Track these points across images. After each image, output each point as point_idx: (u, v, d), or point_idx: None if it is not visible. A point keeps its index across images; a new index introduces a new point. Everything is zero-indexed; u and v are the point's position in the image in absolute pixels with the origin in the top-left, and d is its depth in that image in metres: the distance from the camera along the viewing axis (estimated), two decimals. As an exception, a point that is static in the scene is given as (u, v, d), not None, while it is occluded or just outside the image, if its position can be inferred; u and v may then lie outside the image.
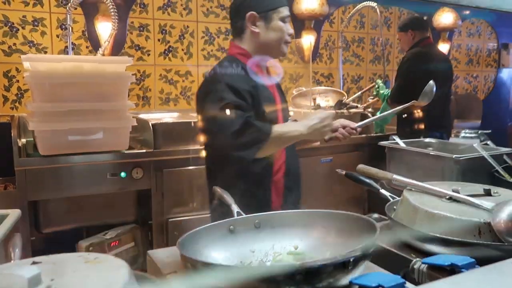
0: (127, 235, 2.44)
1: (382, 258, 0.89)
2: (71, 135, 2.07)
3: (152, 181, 2.37)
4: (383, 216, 1.22)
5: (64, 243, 2.39)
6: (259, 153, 1.43)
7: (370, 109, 2.91)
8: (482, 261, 0.82)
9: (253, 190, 1.51)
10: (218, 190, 1.20)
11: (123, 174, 2.29)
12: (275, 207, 1.57)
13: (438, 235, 0.89)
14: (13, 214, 1.48)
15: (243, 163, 1.46)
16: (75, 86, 2.01)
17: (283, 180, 1.57)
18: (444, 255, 0.71)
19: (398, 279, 0.60)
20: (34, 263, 0.62)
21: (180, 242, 0.82)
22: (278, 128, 1.48)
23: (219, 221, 0.97)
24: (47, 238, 2.41)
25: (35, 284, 0.50)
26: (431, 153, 1.50)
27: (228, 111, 1.42)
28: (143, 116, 2.65)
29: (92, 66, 2.09)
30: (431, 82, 1.48)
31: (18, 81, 2.61)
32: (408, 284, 0.78)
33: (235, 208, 1.05)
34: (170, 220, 2.42)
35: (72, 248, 2.28)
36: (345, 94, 3.10)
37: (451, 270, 0.67)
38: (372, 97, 2.92)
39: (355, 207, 2.82)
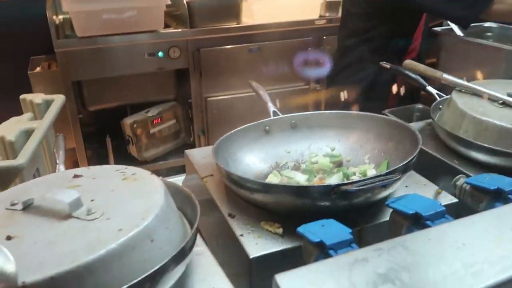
0: (168, 113, 2.52)
1: (423, 160, 0.87)
2: (105, 15, 2.02)
3: (189, 60, 2.35)
4: (427, 107, 1.17)
5: (109, 119, 2.51)
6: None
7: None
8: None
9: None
10: (253, 84, 1.15)
11: (160, 54, 2.28)
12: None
13: (485, 144, 0.84)
14: (58, 99, 1.53)
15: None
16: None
17: None
18: (490, 176, 0.68)
19: (437, 206, 0.58)
20: (75, 176, 0.64)
21: (214, 148, 0.82)
22: None
23: (254, 122, 0.96)
24: (94, 114, 2.53)
25: (76, 207, 0.52)
26: (488, 43, 1.35)
27: None
28: (177, -10, 2.50)
29: None
30: None
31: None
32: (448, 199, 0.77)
33: (271, 107, 1.02)
34: (208, 99, 2.45)
35: (117, 124, 2.40)
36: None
37: (497, 193, 0.64)
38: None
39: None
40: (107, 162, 2.41)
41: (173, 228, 0.55)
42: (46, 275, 0.44)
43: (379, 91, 1.57)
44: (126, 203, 0.55)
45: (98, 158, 2.52)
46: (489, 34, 1.57)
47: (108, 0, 1.97)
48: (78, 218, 0.52)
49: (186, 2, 2.23)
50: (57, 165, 0.77)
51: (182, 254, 0.51)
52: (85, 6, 1.95)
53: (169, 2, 2.14)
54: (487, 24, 1.58)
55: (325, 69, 2.31)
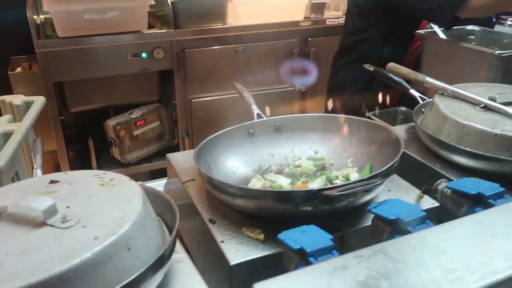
0: (152, 114, 2.50)
1: (406, 164, 0.87)
2: (87, 15, 1.99)
3: (174, 62, 2.33)
4: (411, 110, 1.17)
5: (92, 121, 2.47)
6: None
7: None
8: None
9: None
10: (238, 86, 1.15)
11: (144, 55, 2.25)
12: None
13: (466, 148, 0.84)
14: (38, 101, 1.50)
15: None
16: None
17: (413, 65, 1.53)
18: (471, 180, 0.68)
19: (418, 211, 0.58)
20: (52, 181, 0.62)
21: (196, 152, 0.81)
22: None
23: (237, 125, 0.95)
24: (76, 116, 2.50)
25: (50, 215, 0.51)
26: (470, 46, 1.36)
27: None
28: (161, -9, 2.48)
29: None
30: None
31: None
32: (430, 202, 0.77)
33: (255, 109, 1.01)
34: (193, 100, 2.43)
35: (100, 126, 2.37)
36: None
37: (477, 197, 0.64)
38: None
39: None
40: (89, 164, 2.37)
41: (151, 236, 0.53)
42: (18, 286, 0.43)
43: (377, 90, 1.59)
44: (103, 210, 0.53)
45: (80, 160, 2.49)
46: (472, 37, 1.59)
47: (90, 0, 1.94)
48: (52, 226, 0.51)
49: (171, 3, 2.21)
50: (34, 170, 0.75)
51: (160, 262, 0.50)
52: (66, 6, 1.92)
53: (153, 3, 2.12)
54: (469, 27, 1.59)
55: (312, 73, 2.32)
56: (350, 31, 1.71)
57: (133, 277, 0.45)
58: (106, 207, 0.54)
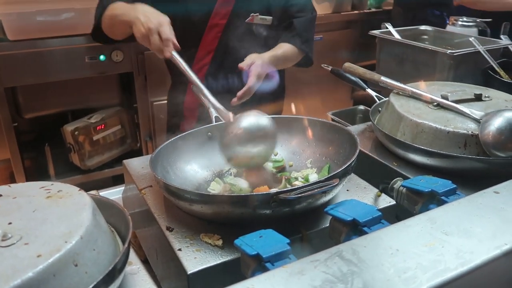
0: (112, 118, 2.43)
1: (364, 163, 0.88)
2: (39, 17, 1.91)
3: (133, 64, 2.27)
4: (369, 108, 1.19)
5: (49, 126, 2.38)
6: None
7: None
8: (465, 173, 0.82)
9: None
10: (195, 89, 1.13)
11: (102, 57, 2.19)
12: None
13: (421, 146, 0.86)
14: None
15: None
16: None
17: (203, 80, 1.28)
18: (425, 178, 0.69)
19: (374, 211, 0.58)
20: (-6, 195, 0.59)
21: (152, 157, 0.78)
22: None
23: (196, 129, 0.93)
24: (31, 122, 2.39)
25: (-11, 232, 0.48)
26: (424, 46, 1.40)
27: None
28: (118, -9, 2.42)
29: None
30: None
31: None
32: (385, 199, 0.78)
33: (213, 112, 1.00)
34: (155, 103, 2.38)
35: (58, 132, 2.28)
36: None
37: (431, 194, 0.65)
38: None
39: (343, 98, 2.78)
40: (47, 172, 2.29)
41: (101, 249, 0.51)
42: (-47, 311, 0.40)
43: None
44: (48, 225, 0.51)
45: (37, 168, 2.39)
46: (425, 37, 1.63)
47: (42, 1, 1.87)
48: (-8, 244, 0.48)
49: (128, 4, 2.16)
50: (-23, 183, 0.71)
51: (111, 276, 0.48)
52: (17, 7, 1.84)
53: (109, 3, 2.06)
54: (423, 27, 1.64)
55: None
56: None
57: (79, 294, 0.43)
58: (52, 222, 0.51)
